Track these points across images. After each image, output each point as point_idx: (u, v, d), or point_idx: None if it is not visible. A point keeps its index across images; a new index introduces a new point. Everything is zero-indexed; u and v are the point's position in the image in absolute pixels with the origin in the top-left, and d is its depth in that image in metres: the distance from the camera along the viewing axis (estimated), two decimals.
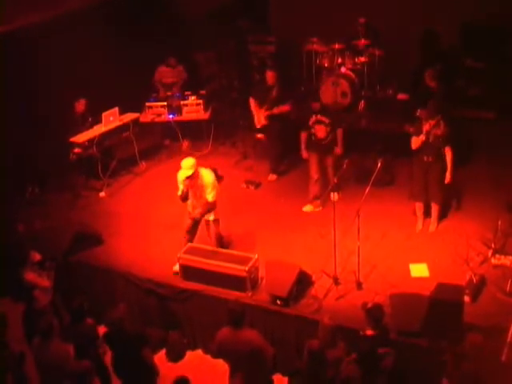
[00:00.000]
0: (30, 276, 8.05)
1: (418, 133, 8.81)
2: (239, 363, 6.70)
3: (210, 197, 8.42)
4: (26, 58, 10.76)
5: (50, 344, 6.94)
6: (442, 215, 9.33)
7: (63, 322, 7.84)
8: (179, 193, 8.47)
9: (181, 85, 12.65)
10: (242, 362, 6.66)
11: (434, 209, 9.17)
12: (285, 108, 10.73)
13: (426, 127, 8.74)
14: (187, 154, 11.78)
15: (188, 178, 8.24)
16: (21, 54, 10.65)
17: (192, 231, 8.79)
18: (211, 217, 8.74)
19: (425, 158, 8.90)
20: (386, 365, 6.43)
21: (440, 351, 6.81)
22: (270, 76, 10.76)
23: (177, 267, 8.68)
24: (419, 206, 9.26)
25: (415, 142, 8.85)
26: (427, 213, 9.28)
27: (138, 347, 7.16)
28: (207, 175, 8.44)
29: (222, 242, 8.96)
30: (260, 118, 10.82)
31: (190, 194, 8.56)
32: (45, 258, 8.45)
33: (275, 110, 10.66)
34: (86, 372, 6.82)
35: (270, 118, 10.75)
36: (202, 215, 8.63)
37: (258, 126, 10.90)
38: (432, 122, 8.72)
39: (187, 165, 8.24)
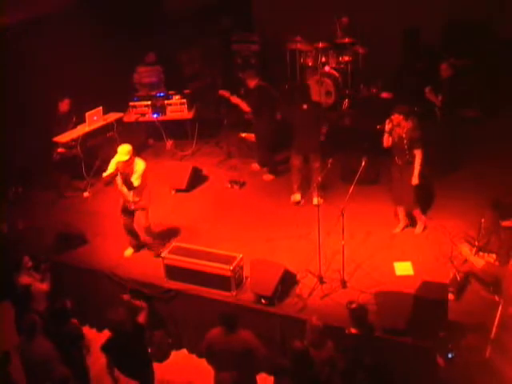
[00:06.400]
0: (26, 280, 7.99)
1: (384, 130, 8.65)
2: (229, 363, 6.67)
3: (135, 181, 8.53)
4: (11, 56, 10.71)
5: (33, 342, 6.92)
6: (426, 214, 9.30)
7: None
8: (105, 174, 8.60)
9: (162, 85, 12.59)
10: (232, 362, 6.64)
11: (415, 214, 9.01)
12: None
13: (388, 125, 8.54)
14: (171, 154, 11.87)
15: (124, 162, 8.40)
16: (5, 52, 10.60)
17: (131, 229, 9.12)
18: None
19: (397, 161, 8.73)
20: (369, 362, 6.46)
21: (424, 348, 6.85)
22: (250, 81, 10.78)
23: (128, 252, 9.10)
24: (400, 209, 9.11)
25: (384, 139, 8.66)
26: (410, 216, 9.15)
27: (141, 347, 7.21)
28: (140, 163, 8.61)
29: (150, 233, 9.13)
30: None
31: (120, 184, 8.67)
32: (38, 261, 8.37)
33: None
34: (65, 379, 6.77)
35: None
36: (135, 203, 8.82)
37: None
38: (394, 120, 8.46)
39: (124, 151, 8.44)
